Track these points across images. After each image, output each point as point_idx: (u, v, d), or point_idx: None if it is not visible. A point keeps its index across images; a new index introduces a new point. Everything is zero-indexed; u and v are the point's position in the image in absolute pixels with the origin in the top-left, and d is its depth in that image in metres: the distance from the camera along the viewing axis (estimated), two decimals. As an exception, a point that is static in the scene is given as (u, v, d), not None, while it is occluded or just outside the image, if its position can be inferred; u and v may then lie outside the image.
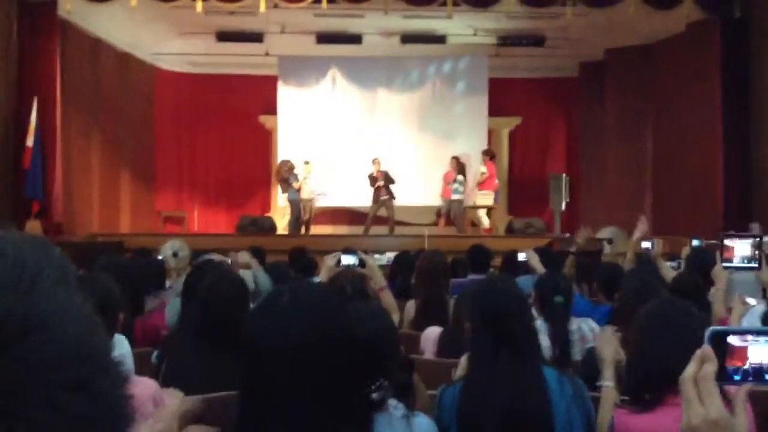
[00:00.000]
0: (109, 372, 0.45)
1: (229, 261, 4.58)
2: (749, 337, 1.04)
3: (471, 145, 13.04)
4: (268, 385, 1.08)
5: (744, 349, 1.04)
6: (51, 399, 0.40)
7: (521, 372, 2.07)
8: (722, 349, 1.02)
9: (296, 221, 11.59)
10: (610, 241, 9.42)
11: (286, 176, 11.60)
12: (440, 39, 12.34)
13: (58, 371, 0.41)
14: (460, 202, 11.91)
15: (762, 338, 1.04)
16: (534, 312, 2.80)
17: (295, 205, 11.57)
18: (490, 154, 12.41)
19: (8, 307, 0.41)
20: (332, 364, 1.09)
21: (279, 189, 12.25)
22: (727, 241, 3.29)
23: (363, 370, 1.18)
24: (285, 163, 11.82)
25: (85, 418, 0.41)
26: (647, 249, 5.10)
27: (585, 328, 3.15)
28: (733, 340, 1.04)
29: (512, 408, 2.03)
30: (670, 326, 1.82)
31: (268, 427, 1.07)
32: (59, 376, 0.41)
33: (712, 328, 1.06)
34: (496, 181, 12.33)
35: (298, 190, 11.61)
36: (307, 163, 12.06)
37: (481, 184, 12.18)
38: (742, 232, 3.52)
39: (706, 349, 1.01)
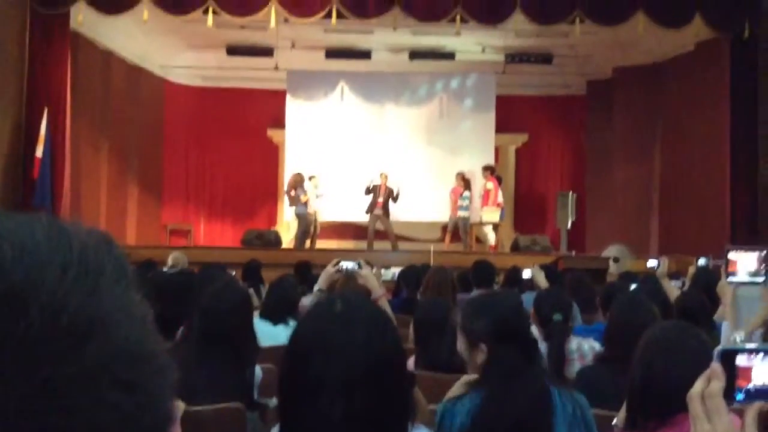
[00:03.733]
0: (161, 375, 0.46)
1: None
2: (755, 358, 1.05)
3: (477, 161, 13.05)
4: (314, 389, 1.13)
5: (749, 370, 1.04)
6: (102, 398, 0.42)
7: (532, 389, 2.04)
8: (731, 368, 1.03)
9: (303, 235, 11.60)
10: (616, 260, 9.38)
11: (293, 190, 11.62)
12: (448, 55, 12.40)
13: (114, 372, 0.43)
14: (466, 218, 11.91)
15: None
16: (534, 329, 2.77)
17: (303, 219, 11.58)
18: (490, 170, 12.37)
19: (75, 307, 0.42)
20: (381, 376, 1.15)
21: (287, 202, 12.26)
22: (731, 255, 3.23)
23: (407, 386, 1.23)
24: (295, 176, 11.85)
25: (131, 417, 0.43)
26: (653, 268, 5.08)
27: (585, 347, 3.13)
28: (740, 360, 1.04)
29: (517, 426, 1.99)
30: (677, 350, 1.80)
31: (309, 427, 1.14)
32: (114, 376, 0.42)
33: (721, 346, 1.06)
34: (500, 199, 12.29)
35: (305, 204, 11.62)
36: (311, 177, 12.08)
37: (484, 201, 12.15)
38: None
39: (715, 366, 1.01)
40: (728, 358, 1.03)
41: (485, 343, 2.18)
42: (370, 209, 11.76)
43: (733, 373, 1.02)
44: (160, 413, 0.46)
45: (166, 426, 0.47)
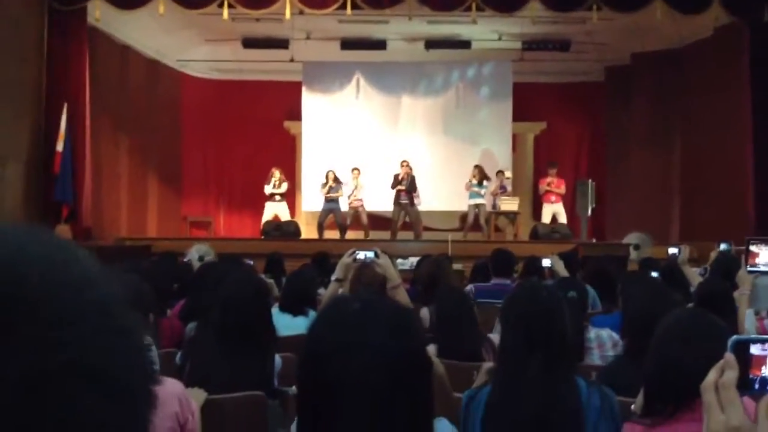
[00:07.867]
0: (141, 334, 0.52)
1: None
2: None
3: (495, 149, 13.02)
4: (333, 390, 1.09)
5: (763, 358, 1.03)
6: (107, 336, 0.48)
7: (553, 380, 2.00)
8: (745, 358, 1.02)
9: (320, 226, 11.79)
10: (636, 247, 9.32)
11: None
12: (465, 44, 12.33)
13: (112, 316, 0.49)
14: (481, 206, 11.88)
15: None
16: None
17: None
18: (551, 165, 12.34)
19: (66, 266, 0.49)
20: (402, 374, 1.10)
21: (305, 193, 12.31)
22: (752, 247, 3.25)
23: (428, 384, 1.18)
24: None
25: (127, 352, 0.49)
26: (674, 254, 5.04)
27: (604, 335, 3.12)
28: (754, 349, 1.03)
29: (541, 417, 1.96)
30: (694, 337, 1.78)
31: (329, 427, 1.09)
32: (113, 319, 0.49)
33: (734, 336, 1.05)
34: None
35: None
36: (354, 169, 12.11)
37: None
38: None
39: (728, 356, 1.01)
40: (742, 347, 1.03)
41: (502, 328, 2.19)
42: (396, 199, 11.75)
43: (747, 363, 1.02)
44: (148, 364, 0.52)
45: (152, 378, 0.52)
